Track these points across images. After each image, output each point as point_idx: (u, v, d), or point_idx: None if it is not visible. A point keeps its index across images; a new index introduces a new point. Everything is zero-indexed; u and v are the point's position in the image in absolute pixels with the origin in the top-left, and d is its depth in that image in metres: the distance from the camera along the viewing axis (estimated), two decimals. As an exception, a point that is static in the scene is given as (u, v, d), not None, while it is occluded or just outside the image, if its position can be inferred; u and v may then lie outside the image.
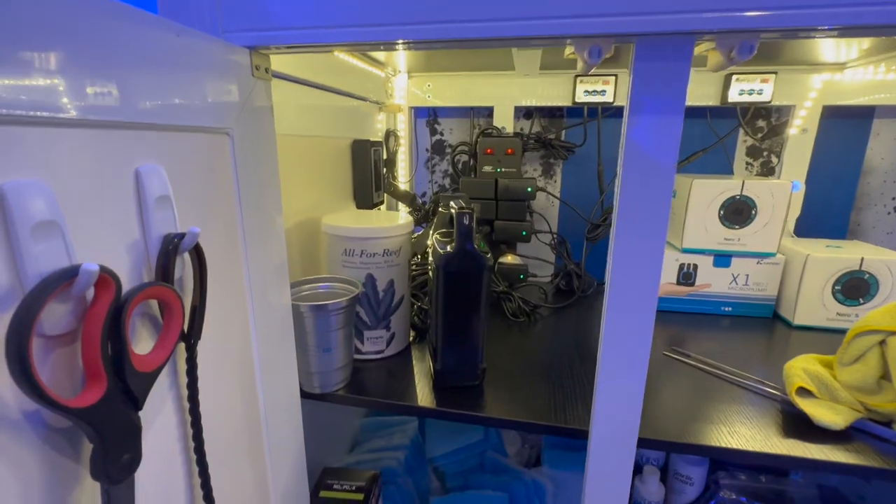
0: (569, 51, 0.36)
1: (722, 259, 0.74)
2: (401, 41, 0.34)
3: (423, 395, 0.52)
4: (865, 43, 0.63)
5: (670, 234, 0.79)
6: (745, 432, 0.45)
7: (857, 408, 0.47)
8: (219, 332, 0.34)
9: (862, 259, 0.67)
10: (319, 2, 0.34)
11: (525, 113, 0.95)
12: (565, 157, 0.94)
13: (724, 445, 0.43)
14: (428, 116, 1.01)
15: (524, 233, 0.84)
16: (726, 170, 0.90)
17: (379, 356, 0.59)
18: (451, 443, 0.82)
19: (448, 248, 0.48)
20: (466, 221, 0.47)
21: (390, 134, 0.91)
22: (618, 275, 0.37)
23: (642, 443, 0.43)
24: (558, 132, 0.94)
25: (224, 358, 0.35)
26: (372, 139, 0.77)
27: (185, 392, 0.30)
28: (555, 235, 0.90)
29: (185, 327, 0.29)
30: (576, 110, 0.91)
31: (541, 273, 0.96)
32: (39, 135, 0.20)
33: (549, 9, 0.31)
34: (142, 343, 0.26)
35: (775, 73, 0.76)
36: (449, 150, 1.01)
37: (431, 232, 0.58)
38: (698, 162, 0.89)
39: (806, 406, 0.46)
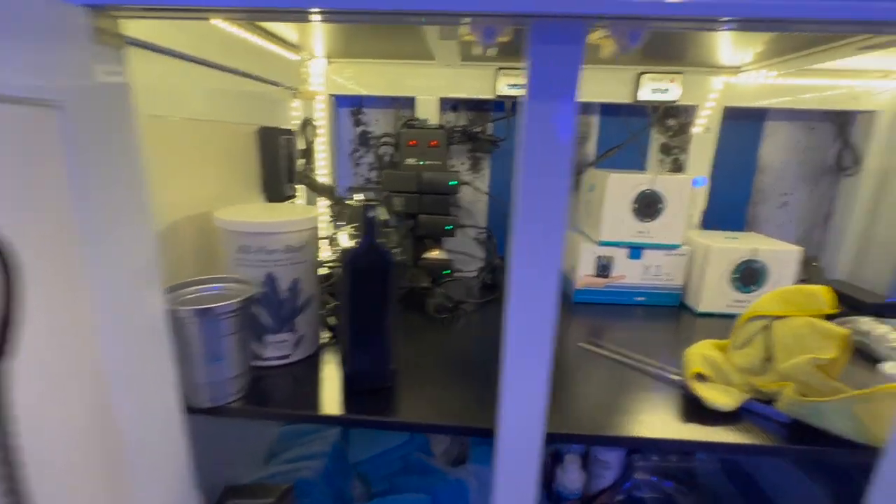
0: (464, 31, 0.34)
1: (635, 251, 0.77)
2: (277, 9, 0.30)
3: (332, 401, 0.48)
4: (759, 46, 0.68)
5: (589, 228, 0.81)
6: (650, 419, 0.47)
7: (747, 389, 0.50)
8: (50, 346, 0.28)
9: (755, 249, 0.72)
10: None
11: (452, 106, 0.94)
12: (490, 150, 0.94)
13: (629, 434, 0.44)
14: (352, 106, 0.96)
15: (449, 227, 0.82)
16: (641, 166, 0.94)
17: (284, 362, 0.54)
18: (374, 446, 0.79)
19: (353, 244, 0.45)
20: (371, 215, 0.44)
21: (307, 123, 0.85)
22: (518, 265, 0.36)
23: (551, 437, 0.42)
24: (484, 126, 0.93)
25: (60, 376, 0.29)
26: (283, 127, 0.71)
27: (-10, 423, 0.24)
28: (482, 230, 0.89)
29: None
30: (502, 104, 0.91)
31: (468, 268, 0.95)
32: None
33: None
34: None
35: (681, 73, 0.80)
36: (374, 142, 0.97)
37: (343, 223, 0.54)
38: (616, 159, 0.92)
39: (701, 390, 0.48)
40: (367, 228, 0.44)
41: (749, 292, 0.74)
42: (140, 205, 0.35)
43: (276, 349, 0.53)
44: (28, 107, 0.26)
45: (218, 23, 0.55)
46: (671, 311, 0.78)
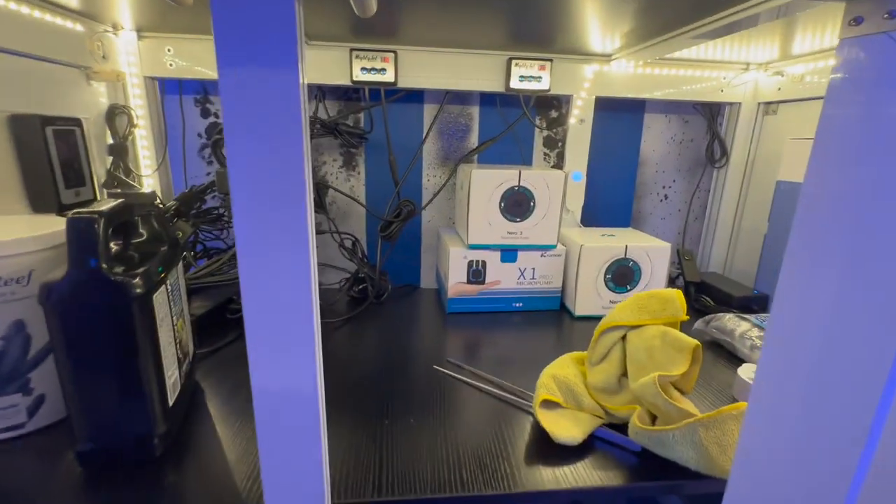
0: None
1: (508, 254, 0.70)
2: None
3: (71, 490, 0.35)
4: (626, 27, 0.63)
5: (460, 228, 0.73)
6: (491, 464, 0.39)
7: (599, 413, 0.44)
8: None
9: (626, 247, 0.68)
10: None
11: (317, 93, 0.81)
12: (359, 144, 0.83)
13: (449, 496, 0.35)
14: (196, 93, 0.80)
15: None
16: (526, 161, 0.88)
17: (15, 433, 0.39)
18: None
19: (55, 275, 0.32)
20: (84, 235, 0.31)
21: (116, 111, 0.69)
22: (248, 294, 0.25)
23: (349, 513, 0.33)
24: (353, 117, 0.82)
25: None
26: (55, 114, 0.55)
27: None
28: (344, 236, 0.79)
29: None
30: (374, 93, 0.80)
31: (329, 281, 0.84)
32: None
33: None
34: None
35: (550, 60, 0.75)
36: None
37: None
38: (499, 155, 0.85)
39: (547, 422, 0.41)
40: (80, 252, 0.31)
41: (624, 292, 0.70)
42: None
43: (3, 418, 0.38)
44: None
45: None
46: (551, 316, 0.72)
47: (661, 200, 0.95)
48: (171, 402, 0.39)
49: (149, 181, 0.75)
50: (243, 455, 0.39)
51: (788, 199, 0.70)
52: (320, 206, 0.77)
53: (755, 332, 0.57)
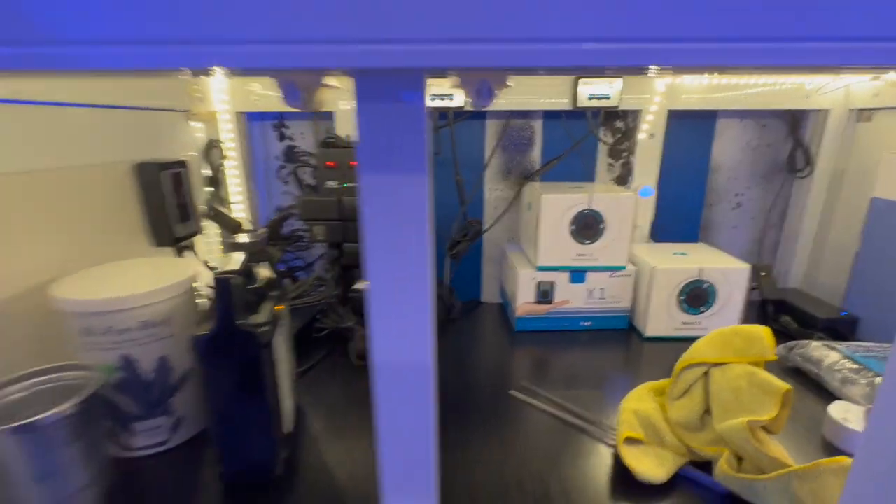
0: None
1: (577, 275, 0.71)
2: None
3: (211, 502, 0.41)
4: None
5: (529, 250, 0.75)
6: (575, 493, 0.41)
7: (682, 451, 0.45)
8: None
9: (701, 269, 0.67)
10: None
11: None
12: (425, 165, 0.86)
13: (542, 529, 0.38)
14: (274, 120, 0.86)
15: (377, 256, 0.74)
16: (589, 172, 0.87)
17: (161, 449, 0.46)
18: None
19: (204, 329, 0.37)
20: (224, 293, 0.36)
21: (213, 146, 0.76)
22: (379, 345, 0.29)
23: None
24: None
25: None
26: (172, 159, 0.62)
27: None
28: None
29: None
30: (442, 114, 0.82)
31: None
32: None
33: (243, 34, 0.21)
34: None
35: (620, 76, 0.73)
36: (304, 157, 0.88)
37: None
38: (561, 166, 0.85)
39: (630, 459, 0.43)
40: (221, 307, 0.37)
41: (698, 313, 0.69)
42: None
43: (149, 437, 0.45)
44: None
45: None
46: (619, 336, 0.72)
47: (734, 209, 0.91)
48: (287, 430, 0.44)
49: (238, 206, 0.83)
50: (349, 468, 0.44)
51: (885, 217, 0.65)
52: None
53: (847, 364, 0.55)
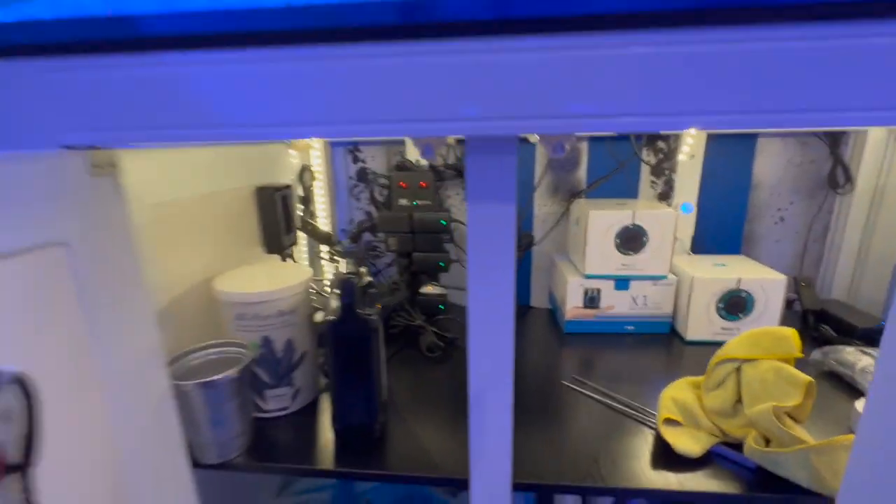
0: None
1: (621, 283, 0.79)
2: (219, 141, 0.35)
3: (325, 453, 0.53)
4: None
5: (576, 259, 0.84)
6: (622, 464, 0.49)
7: (716, 433, 0.52)
8: (70, 444, 0.33)
9: (739, 279, 0.73)
10: (162, 103, 0.34)
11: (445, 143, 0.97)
12: (482, 184, 0.97)
13: (593, 485, 0.47)
14: (349, 145, 1.00)
15: (441, 263, 0.86)
16: (633, 190, 0.95)
17: (284, 413, 0.59)
18: (381, 475, 0.83)
19: (333, 315, 0.49)
20: (349, 289, 0.48)
21: (305, 170, 0.90)
22: (475, 349, 0.39)
23: (518, 486, 0.46)
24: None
25: (79, 465, 0.35)
26: (279, 183, 0.76)
27: (23, 520, 0.29)
28: (474, 263, 0.93)
29: (16, 457, 0.28)
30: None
31: (464, 302, 0.99)
32: None
33: (382, 115, 0.33)
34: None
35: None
36: (372, 176, 1.02)
37: (330, 285, 0.59)
38: (606, 183, 0.94)
39: (669, 436, 0.51)
40: (345, 301, 0.49)
41: (736, 320, 0.75)
42: (142, 303, 0.41)
43: (276, 402, 0.58)
44: (41, 251, 0.32)
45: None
46: (661, 339, 0.79)
47: (776, 223, 0.95)
48: (383, 399, 0.55)
49: (323, 220, 0.97)
50: (429, 433, 0.54)
51: (922, 232, 0.69)
52: (450, 238, 0.92)
53: (878, 367, 0.59)
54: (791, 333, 0.53)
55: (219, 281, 0.57)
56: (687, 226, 0.89)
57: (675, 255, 0.85)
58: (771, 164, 0.92)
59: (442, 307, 0.85)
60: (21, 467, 0.29)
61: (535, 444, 0.53)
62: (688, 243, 0.91)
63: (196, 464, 0.50)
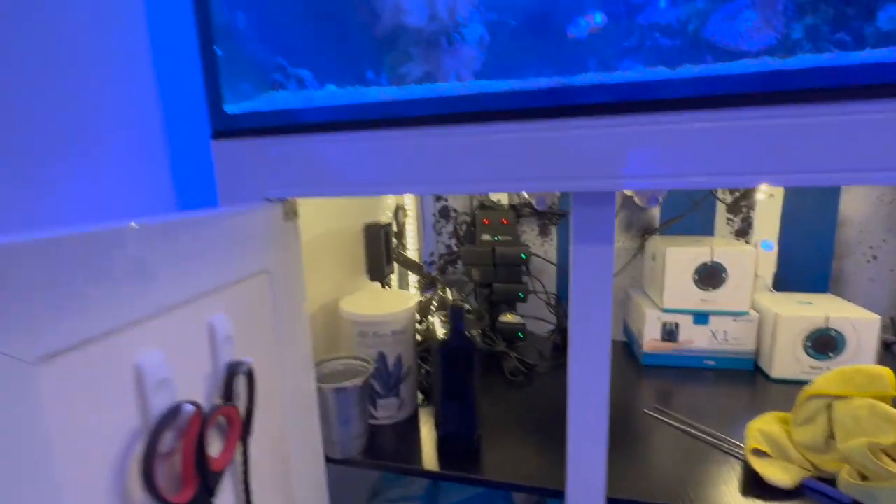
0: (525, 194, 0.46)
1: (700, 317, 0.81)
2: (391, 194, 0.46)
3: (429, 457, 0.60)
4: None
5: (653, 293, 0.87)
6: (710, 490, 0.52)
7: (806, 466, 0.53)
8: (264, 422, 0.44)
9: (827, 317, 0.73)
10: (340, 164, 0.46)
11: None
12: (558, 221, 1.04)
13: (683, 504, 0.50)
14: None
15: (521, 294, 0.93)
16: (708, 227, 0.97)
17: (391, 421, 0.68)
18: (463, 491, 0.89)
19: (445, 336, 0.58)
20: (460, 314, 0.57)
21: (399, 208, 1.03)
22: (575, 371, 0.46)
23: (612, 501, 0.50)
24: (555, 199, 1.04)
25: (267, 441, 0.45)
26: (382, 220, 0.89)
27: (240, 477, 0.40)
28: (550, 295, 0.99)
29: (241, 431, 0.39)
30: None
31: (540, 331, 1.04)
32: (161, 322, 0.31)
33: (510, 175, 0.42)
34: (214, 447, 0.37)
35: (738, 147, 0.85)
36: (454, 213, 1.13)
37: (434, 309, 0.68)
38: (682, 219, 0.97)
39: (759, 466, 0.53)
40: (456, 325, 0.57)
41: (826, 359, 0.74)
42: (304, 319, 0.52)
43: (385, 411, 0.67)
44: (255, 277, 0.43)
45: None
46: (744, 376, 0.80)
47: (869, 261, 0.93)
48: (481, 413, 0.62)
49: (411, 252, 1.08)
50: (516, 448, 0.60)
51: None
52: (526, 271, 0.99)
53: None
54: (886, 372, 0.54)
55: (344, 303, 0.68)
56: (768, 263, 0.90)
57: (757, 292, 0.86)
58: (859, 202, 0.91)
59: (521, 335, 0.92)
60: (244, 438, 0.39)
61: (621, 466, 0.57)
62: (769, 280, 0.91)
63: (326, 458, 0.60)
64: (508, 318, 0.96)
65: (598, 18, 0.39)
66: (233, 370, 0.38)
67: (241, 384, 0.39)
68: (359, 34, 0.53)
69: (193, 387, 0.35)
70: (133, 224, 0.29)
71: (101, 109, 0.61)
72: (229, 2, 0.50)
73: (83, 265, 0.26)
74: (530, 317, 0.99)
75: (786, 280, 0.93)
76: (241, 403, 0.40)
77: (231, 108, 0.49)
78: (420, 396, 0.74)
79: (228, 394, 0.37)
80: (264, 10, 0.53)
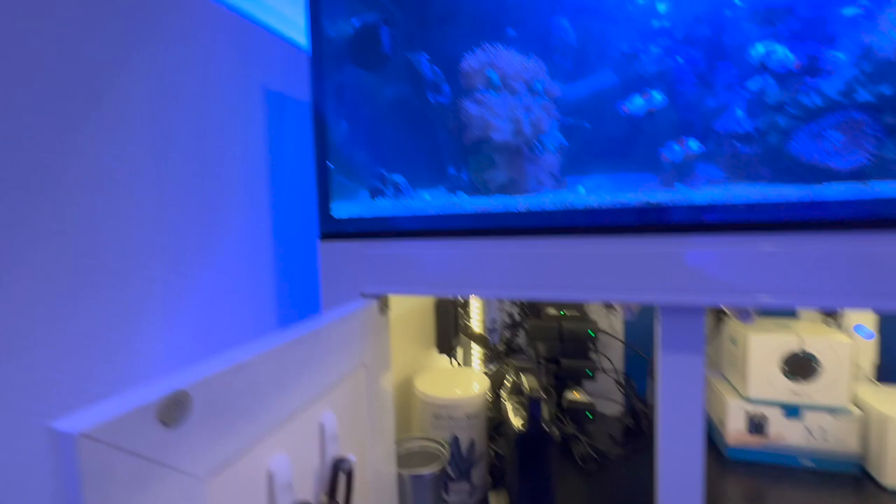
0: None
1: (792, 410, 0.75)
2: (472, 294, 0.49)
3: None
4: None
5: (734, 379, 0.82)
6: None
7: None
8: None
9: (948, 422, 0.65)
10: (431, 267, 0.50)
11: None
12: (624, 295, 1.02)
13: None
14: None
15: (589, 372, 0.91)
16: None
17: (463, 506, 0.67)
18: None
19: (522, 427, 0.58)
20: (538, 406, 0.58)
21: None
22: (665, 486, 0.45)
23: None
24: None
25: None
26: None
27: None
28: (619, 374, 0.96)
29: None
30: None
31: (609, 410, 1.00)
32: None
33: (597, 284, 0.44)
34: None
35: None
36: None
37: (507, 393, 0.69)
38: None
39: None
40: (533, 417, 0.58)
41: (952, 471, 0.65)
42: (390, 407, 0.55)
43: (457, 496, 0.67)
44: (356, 371, 0.47)
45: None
46: (850, 480, 0.72)
47: None
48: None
49: (475, 323, 1.10)
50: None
51: None
52: (595, 348, 0.97)
53: None
54: None
55: (419, 383, 0.70)
56: (867, 351, 0.83)
57: (861, 386, 0.79)
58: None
59: (590, 415, 0.89)
60: (339, 529, 0.42)
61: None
62: (869, 370, 0.83)
63: (399, 543, 0.60)
64: (576, 396, 0.93)
65: (694, 146, 0.42)
66: (337, 467, 0.40)
67: (342, 479, 0.42)
68: (448, 144, 0.60)
69: (305, 483, 0.38)
70: (277, 347, 0.34)
71: (230, 233, 0.62)
72: (339, 121, 0.58)
73: (251, 385, 0.30)
74: (597, 395, 0.96)
75: (892, 370, 0.85)
76: (341, 498, 0.42)
77: (338, 212, 0.55)
78: (489, 480, 0.73)
79: (332, 490, 0.40)
80: (364, 122, 0.61)
